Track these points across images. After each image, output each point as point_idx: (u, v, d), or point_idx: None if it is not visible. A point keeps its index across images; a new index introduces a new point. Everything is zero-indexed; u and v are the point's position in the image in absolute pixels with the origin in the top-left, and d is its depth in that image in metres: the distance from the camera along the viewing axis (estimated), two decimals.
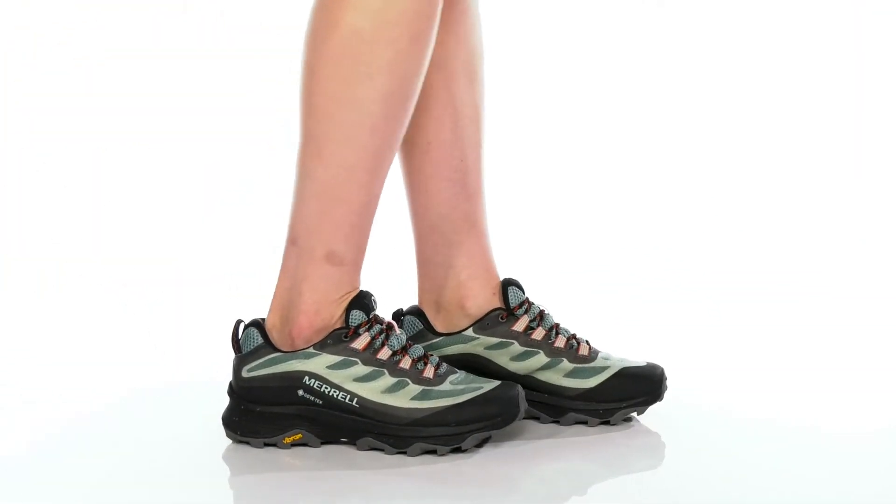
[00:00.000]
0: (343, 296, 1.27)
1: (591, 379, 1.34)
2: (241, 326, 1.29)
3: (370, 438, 1.25)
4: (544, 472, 1.23)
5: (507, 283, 1.37)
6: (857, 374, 1.62)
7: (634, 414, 1.36)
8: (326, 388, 1.25)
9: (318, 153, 1.24)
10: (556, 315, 1.41)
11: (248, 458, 1.25)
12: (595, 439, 1.31)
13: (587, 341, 1.38)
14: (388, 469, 1.23)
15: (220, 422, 1.29)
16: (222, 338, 1.80)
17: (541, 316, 1.37)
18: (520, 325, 1.35)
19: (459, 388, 1.26)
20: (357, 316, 1.27)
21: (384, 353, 1.26)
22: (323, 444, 1.27)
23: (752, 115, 2.59)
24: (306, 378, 1.26)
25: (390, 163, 1.28)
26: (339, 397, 1.25)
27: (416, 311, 1.38)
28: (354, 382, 1.25)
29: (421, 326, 1.37)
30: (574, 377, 1.34)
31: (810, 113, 2.57)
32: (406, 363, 1.27)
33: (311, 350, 1.26)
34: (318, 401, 1.26)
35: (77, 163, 2.50)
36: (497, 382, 1.27)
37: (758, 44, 2.61)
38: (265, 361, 1.27)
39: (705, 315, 1.98)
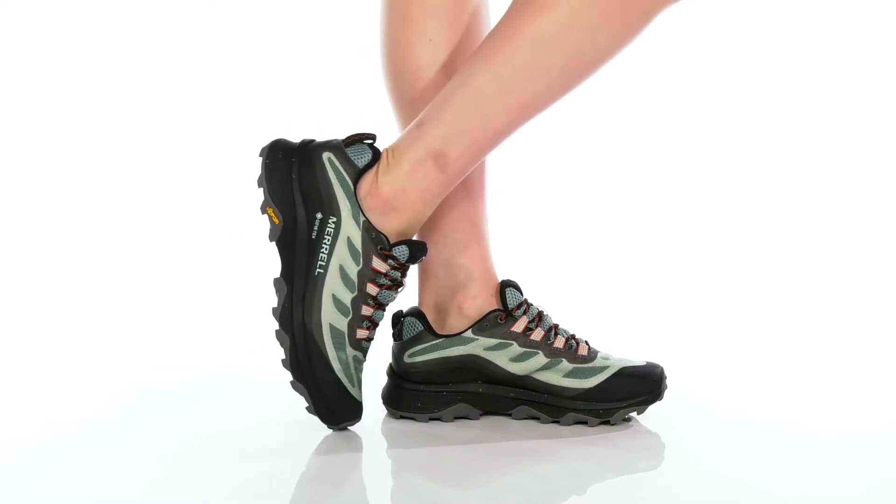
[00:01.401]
0: (420, 201, 1.29)
1: (590, 379, 1.34)
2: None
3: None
4: (544, 471, 1.23)
5: (505, 285, 1.37)
6: (856, 373, 1.62)
7: (634, 414, 1.36)
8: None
9: (488, 65, 1.26)
10: (556, 315, 1.41)
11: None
12: (595, 439, 1.31)
13: (586, 341, 1.38)
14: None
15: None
16: (221, 336, 1.81)
17: (539, 317, 1.37)
18: (518, 326, 1.36)
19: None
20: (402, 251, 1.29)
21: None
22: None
23: (750, 115, 2.59)
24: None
25: (536, 113, 1.28)
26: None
27: (417, 313, 1.38)
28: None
29: (421, 328, 1.37)
30: (573, 377, 1.34)
31: (808, 114, 2.57)
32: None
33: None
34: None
35: (91, 157, 2.50)
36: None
37: (757, 46, 2.61)
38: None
39: (705, 315, 1.98)
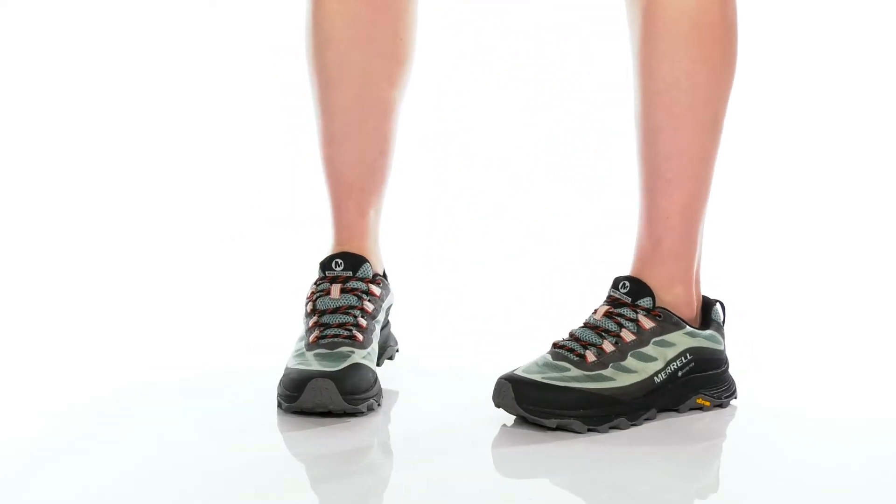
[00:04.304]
0: None
1: None
2: None
3: None
4: (545, 469, 1.22)
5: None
6: (856, 370, 1.63)
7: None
8: None
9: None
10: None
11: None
12: (596, 439, 1.30)
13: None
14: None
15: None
16: (221, 336, 1.80)
17: None
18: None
19: None
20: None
21: None
22: None
23: (752, 116, 2.59)
24: None
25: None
26: None
27: None
28: None
29: None
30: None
31: (808, 115, 2.58)
32: None
33: None
34: None
35: (95, 155, 2.51)
36: None
37: (758, 46, 2.61)
38: None
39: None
